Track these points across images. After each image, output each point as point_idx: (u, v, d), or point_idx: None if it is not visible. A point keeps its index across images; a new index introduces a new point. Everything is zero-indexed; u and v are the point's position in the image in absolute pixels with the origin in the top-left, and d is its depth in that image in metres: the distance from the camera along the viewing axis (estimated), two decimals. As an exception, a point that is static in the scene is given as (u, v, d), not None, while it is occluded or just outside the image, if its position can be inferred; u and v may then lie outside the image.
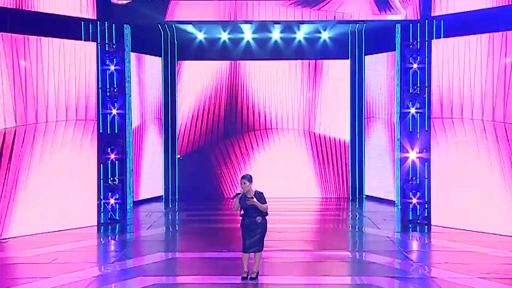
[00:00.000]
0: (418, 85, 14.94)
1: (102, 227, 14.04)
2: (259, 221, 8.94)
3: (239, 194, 8.94)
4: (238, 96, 18.87)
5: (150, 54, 18.06)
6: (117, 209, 15.14)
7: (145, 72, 17.84)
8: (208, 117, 18.93)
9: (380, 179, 17.76)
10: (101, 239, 13.04)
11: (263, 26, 17.90)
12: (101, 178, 15.10)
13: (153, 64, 18.24)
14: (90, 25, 14.76)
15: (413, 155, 14.93)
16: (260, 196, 8.98)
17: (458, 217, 13.53)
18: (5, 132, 12.59)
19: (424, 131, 14.67)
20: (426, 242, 12.78)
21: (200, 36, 18.56)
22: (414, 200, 14.85)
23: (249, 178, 8.98)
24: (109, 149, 15.28)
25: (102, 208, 14.84)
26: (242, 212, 9.02)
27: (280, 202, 17.25)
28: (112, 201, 15.14)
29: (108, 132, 15.34)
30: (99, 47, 15.03)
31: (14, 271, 10.23)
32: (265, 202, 9.00)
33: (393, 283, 9.30)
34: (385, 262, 10.40)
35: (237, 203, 8.96)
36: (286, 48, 18.68)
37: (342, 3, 15.17)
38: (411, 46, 14.94)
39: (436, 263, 10.61)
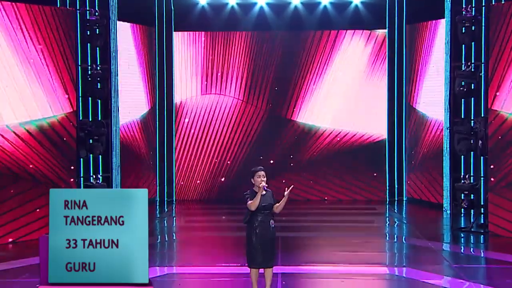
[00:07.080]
0: (472, 61, 14.86)
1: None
2: (273, 225, 8.66)
3: (261, 189, 8.53)
4: (252, 73, 18.78)
5: (141, 24, 18.01)
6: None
7: (135, 46, 17.77)
8: (214, 102, 18.90)
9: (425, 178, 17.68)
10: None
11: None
12: (82, 176, 15.12)
13: (144, 36, 18.18)
14: (68, -13, 14.78)
15: (465, 148, 14.85)
16: (272, 194, 8.79)
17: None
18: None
19: (480, 118, 14.51)
20: (481, 255, 12.78)
21: (202, 1, 18.50)
22: (467, 204, 14.72)
23: (264, 171, 8.74)
24: (91, 140, 15.22)
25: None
26: (247, 218, 8.74)
27: (304, 205, 17.29)
28: (95, 204, 15.12)
29: (90, 120, 15.29)
30: (78, 14, 14.97)
31: None
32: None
33: (441, 306, 9.34)
34: (430, 280, 10.37)
35: (258, 200, 8.56)
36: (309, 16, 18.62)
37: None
38: (464, 13, 14.80)
39: (494, 281, 10.51)
